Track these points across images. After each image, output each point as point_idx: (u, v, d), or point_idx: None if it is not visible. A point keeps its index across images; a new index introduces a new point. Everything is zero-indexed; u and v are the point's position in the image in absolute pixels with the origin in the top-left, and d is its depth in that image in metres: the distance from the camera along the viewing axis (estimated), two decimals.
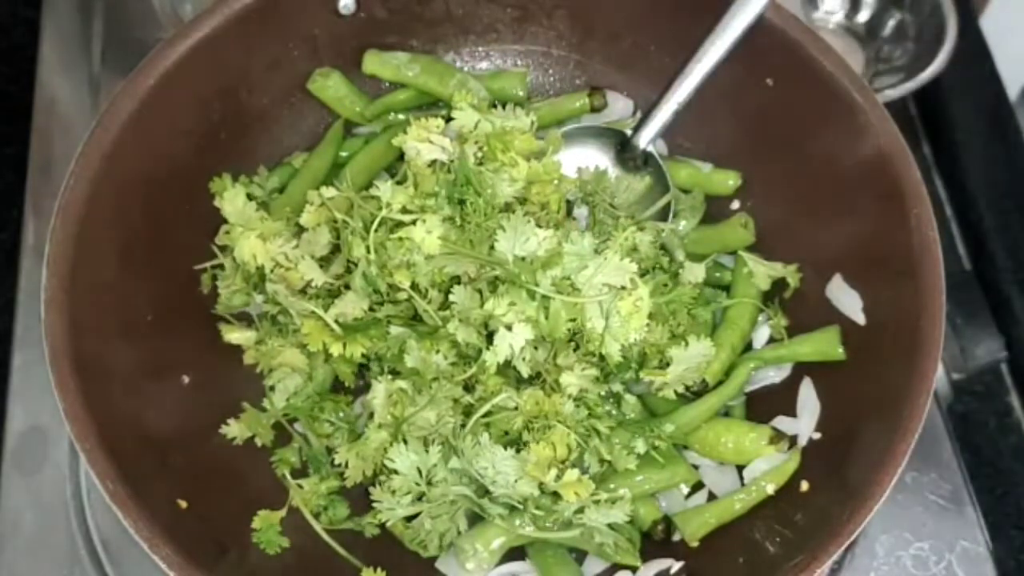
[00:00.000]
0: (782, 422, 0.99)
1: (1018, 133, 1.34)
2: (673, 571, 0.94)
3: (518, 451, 0.91)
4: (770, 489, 0.95)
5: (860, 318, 0.98)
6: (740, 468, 0.99)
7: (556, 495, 0.91)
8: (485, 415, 0.93)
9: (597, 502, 0.91)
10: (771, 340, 1.05)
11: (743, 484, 0.98)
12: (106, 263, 0.94)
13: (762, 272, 1.05)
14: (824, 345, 0.99)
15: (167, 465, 0.91)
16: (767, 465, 0.97)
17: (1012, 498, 1.14)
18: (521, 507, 0.92)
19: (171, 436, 0.94)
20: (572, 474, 0.90)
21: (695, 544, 0.96)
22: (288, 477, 0.97)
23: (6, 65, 1.36)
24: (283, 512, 0.94)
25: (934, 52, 1.27)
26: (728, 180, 1.11)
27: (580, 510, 0.91)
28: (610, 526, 0.92)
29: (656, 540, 0.97)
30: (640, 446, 0.96)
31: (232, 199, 0.97)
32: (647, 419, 1.00)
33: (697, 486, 1.00)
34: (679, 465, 0.98)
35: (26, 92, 1.31)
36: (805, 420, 0.98)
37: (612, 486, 0.95)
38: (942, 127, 1.35)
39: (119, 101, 0.96)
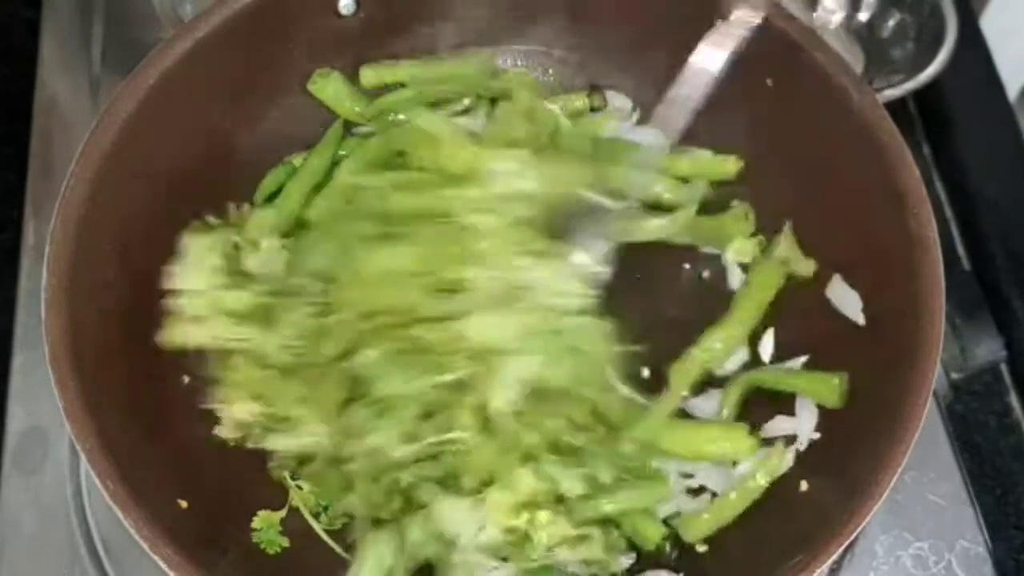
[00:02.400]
0: (782, 422, 0.99)
1: (1018, 133, 1.34)
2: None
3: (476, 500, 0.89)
4: (761, 479, 0.95)
5: (860, 318, 0.98)
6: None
7: (526, 536, 0.89)
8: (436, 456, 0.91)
9: (567, 539, 0.89)
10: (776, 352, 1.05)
11: None
12: (106, 263, 0.94)
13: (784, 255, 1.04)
14: (824, 388, 0.97)
15: (167, 465, 0.91)
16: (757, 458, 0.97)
17: (1012, 498, 1.14)
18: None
19: (172, 436, 0.94)
20: (543, 516, 0.88)
21: (697, 546, 0.96)
22: (288, 478, 0.97)
23: (6, 65, 1.36)
24: (283, 512, 0.94)
25: (934, 52, 1.27)
26: (728, 165, 1.10)
27: (550, 548, 0.89)
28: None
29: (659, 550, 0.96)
30: (605, 475, 0.93)
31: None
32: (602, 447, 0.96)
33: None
34: (656, 483, 0.97)
35: (26, 92, 1.31)
36: (804, 420, 0.98)
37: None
38: (942, 127, 1.35)
39: (119, 101, 0.96)
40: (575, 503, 0.92)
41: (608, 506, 0.94)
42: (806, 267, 1.04)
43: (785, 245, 1.05)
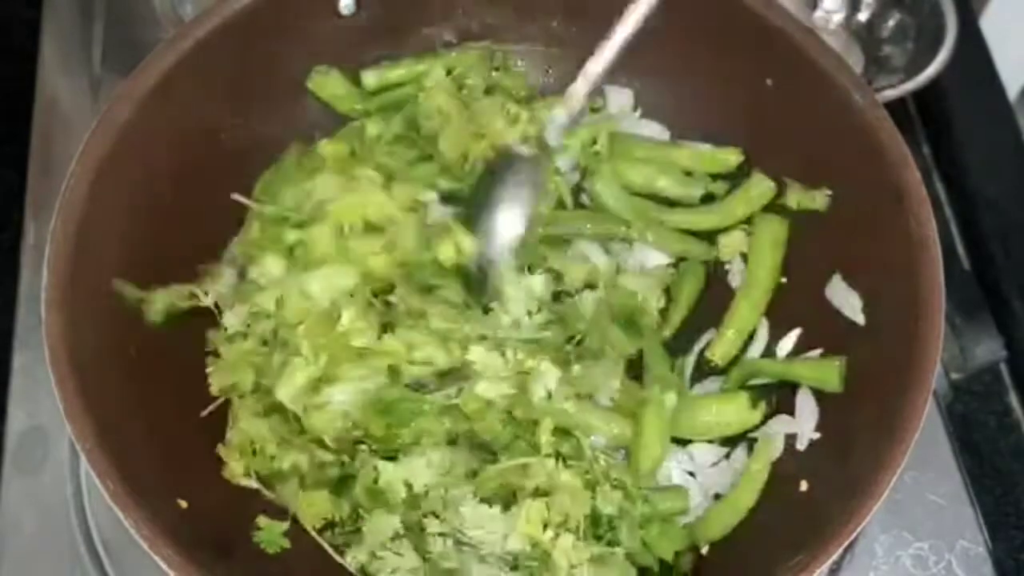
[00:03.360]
0: (781, 421, 0.99)
1: (1018, 133, 1.34)
2: None
3: (506, 507, 0.90)
4: (757, 464, 0.96)
5: (860, 318, 0.97)
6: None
7: (547, 554, 0.89)
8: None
9: (590, 559, 0.89)
10: (768, 346, 1.05)
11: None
12: (106, 263, 0.94)
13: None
14: (824, 373, 0.97)
15: (167, 465, 0.91)
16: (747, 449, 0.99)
17: (1012, 498, 1.14)
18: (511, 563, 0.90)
19: (172, 436, 0.94)
20: (567, 539, 0.88)
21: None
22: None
23: (6, 65, 1.36)
24: (286, 525, 0.93)
25: (934, 52, 1.27)
26: (730, 157, 1.11)
27: (572, 568, 0.89)
28: None
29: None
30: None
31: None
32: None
33: None
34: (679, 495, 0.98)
35: (26, 92, 1.31)
36: (804, 421, 0.98)
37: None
38: (942, 127, 1.35)
39: (119, 101, 0.96)
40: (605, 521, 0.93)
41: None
42: (819, 200, 1.03)
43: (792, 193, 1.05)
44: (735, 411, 0.99)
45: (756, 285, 1.06)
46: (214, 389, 0.97)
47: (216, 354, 0.99)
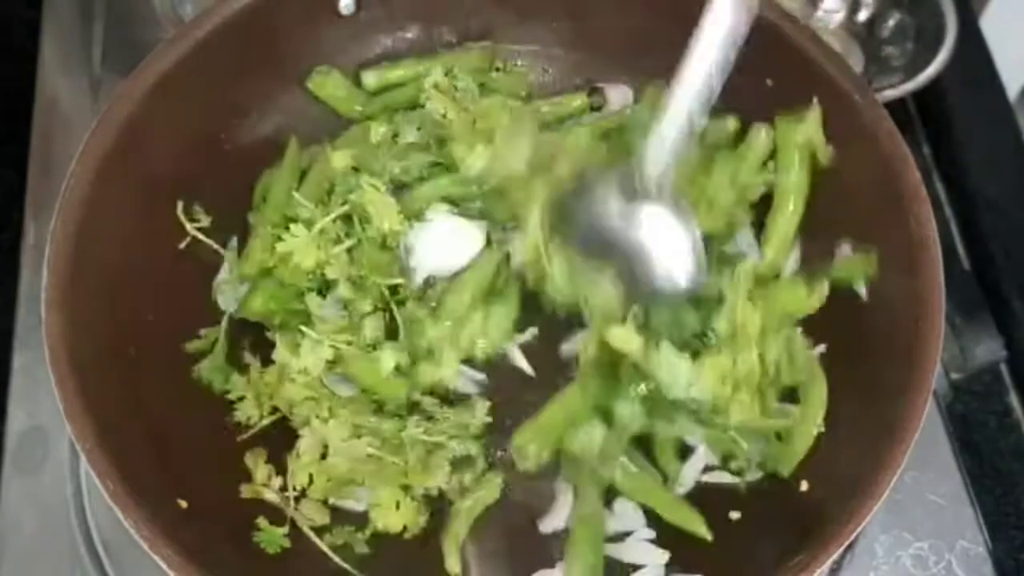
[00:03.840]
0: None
1: (1018, 133, 1.34)
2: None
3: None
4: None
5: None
6: None
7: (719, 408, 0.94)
8: None
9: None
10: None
11: None
12: (107, 263, 0.94)
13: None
14: (851, 271, 0.98)
15: (167, 465, 0.91)
16: None
17: (1012, 498, 1.14)
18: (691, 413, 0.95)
19: (172, 435, 0.94)
20: (744, 396, 0.92)
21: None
22: (291, 500, 0.97)
23: (6, 65, 1.36)
24: (285, 529, 0.94)
25: (934, 52, 1.27)
26: (727, 124, 1.09)
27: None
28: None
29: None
30: None
31: None
32: None
33: None
34: None
35: (26, 92, 1.31)
36: None
37: None
38: (942, 127, 1.35)
39: (119, 101, 0.96)
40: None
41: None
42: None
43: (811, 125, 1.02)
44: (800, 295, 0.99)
45: (786, 197, 1.04)
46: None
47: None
